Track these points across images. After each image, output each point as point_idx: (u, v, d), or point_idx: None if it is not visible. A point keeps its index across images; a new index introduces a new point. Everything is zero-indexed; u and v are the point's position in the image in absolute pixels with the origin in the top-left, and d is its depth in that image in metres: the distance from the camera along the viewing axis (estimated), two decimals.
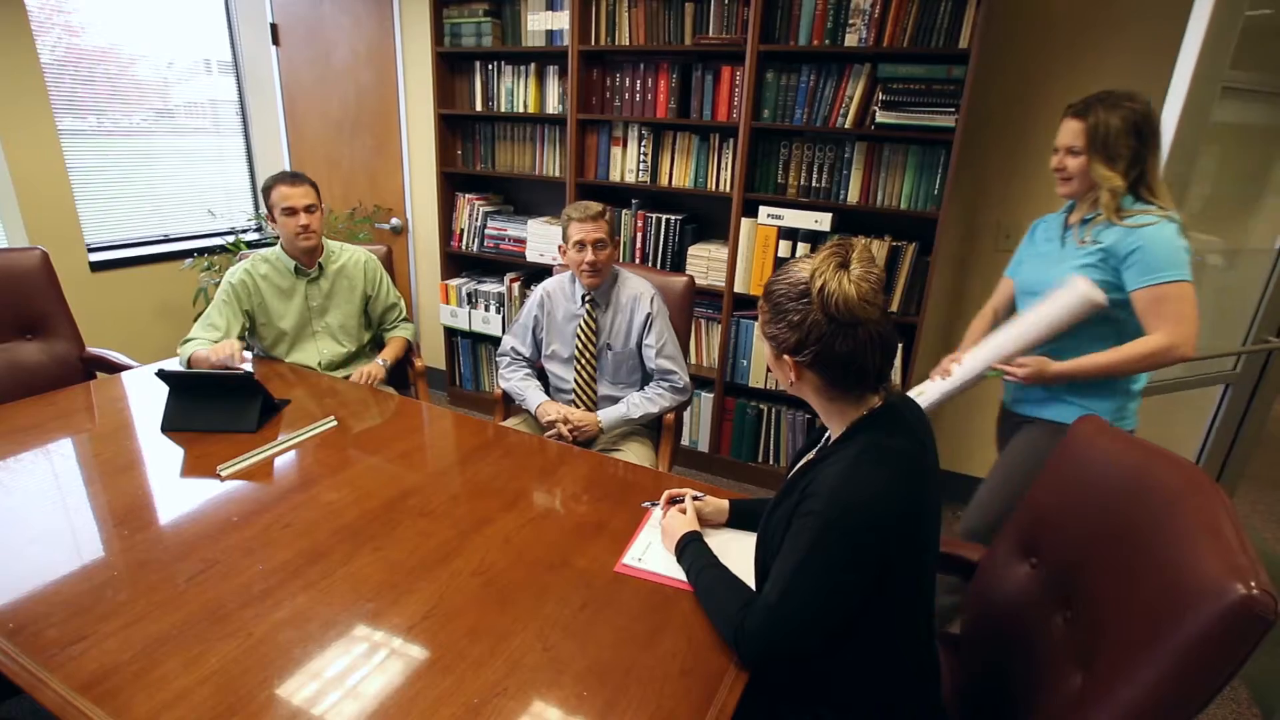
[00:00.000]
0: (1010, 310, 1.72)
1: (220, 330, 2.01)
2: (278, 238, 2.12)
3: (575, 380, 2.02)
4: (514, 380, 2.05)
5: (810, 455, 1.10)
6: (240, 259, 2.13)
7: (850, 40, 2.25)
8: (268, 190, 2.03)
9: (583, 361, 2.00)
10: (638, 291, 1.98)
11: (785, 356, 0.97)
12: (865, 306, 0.90)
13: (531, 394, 1.99)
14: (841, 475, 0.91)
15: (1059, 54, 2.27)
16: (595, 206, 1.89)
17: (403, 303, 2.32)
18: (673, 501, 1.33)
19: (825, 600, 0.92)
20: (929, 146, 2.27)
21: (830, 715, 1.00)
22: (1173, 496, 0.87)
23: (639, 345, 1.98)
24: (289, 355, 2.14)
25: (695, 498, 1.32)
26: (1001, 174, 2.43)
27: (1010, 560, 1.16)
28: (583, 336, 1.98)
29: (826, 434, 1.11)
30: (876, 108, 2.25)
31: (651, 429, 2.06)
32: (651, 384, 1.98)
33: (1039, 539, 1.12)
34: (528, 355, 2.09)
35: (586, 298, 1.97)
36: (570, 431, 1.86)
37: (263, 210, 3.79)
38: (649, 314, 1.94)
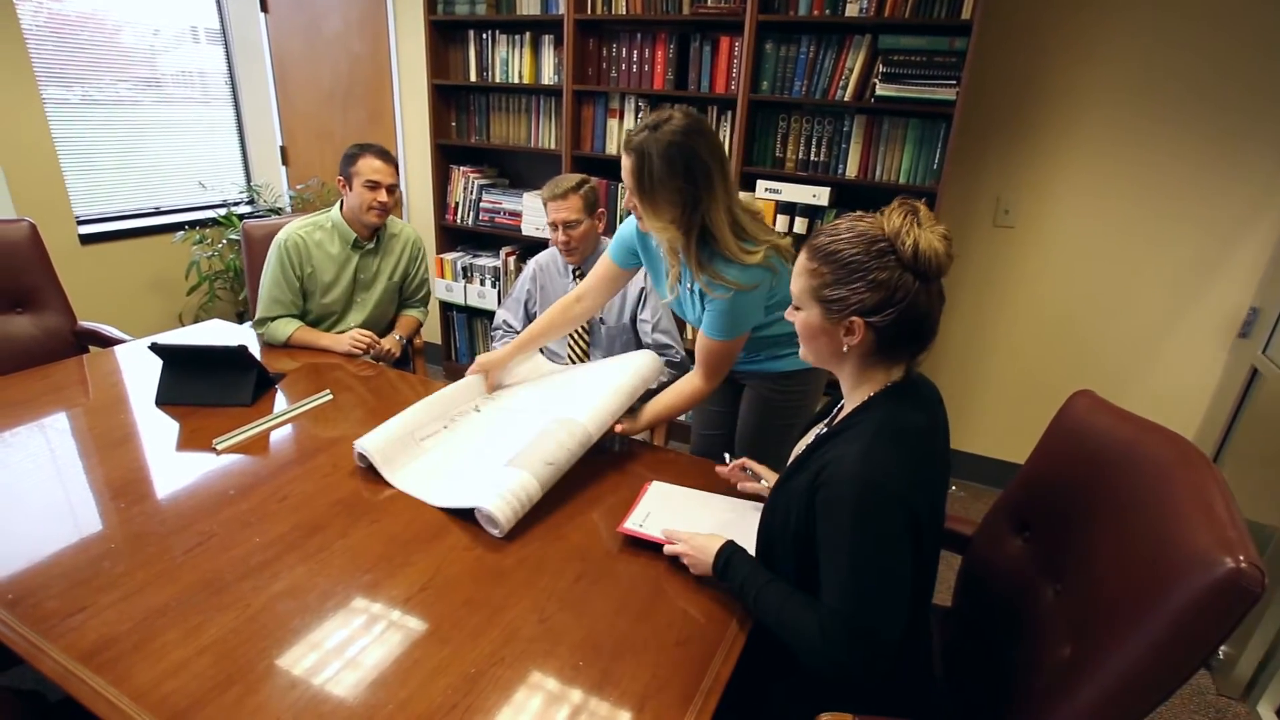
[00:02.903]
0: (599, 296, 1.65)
1: (285, 306, 2.01)
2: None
3: (569, 355, 2.01)
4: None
5: (822, 427, 1.10)
6: (234, 230, 2.10)
7: (851, 10, 2.20)
8: (354, 157, 1.98)
9: (575, 336, 2.00)
10: None
11: (854, 319, 0.92)
12: (949, 260, 0.90)
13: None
14: (860, 455, 0.89)
15: (1063, 25, 2.23)
16: (568, 182, 1.85)
17: (430, 286, 2.33)
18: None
19: (890, 588, 0.89)
20: (929, 120, 2.24)
21: (820, 686, 1.02)
22: (1164, 470, 0.88)
23: (633, 320, 1.96)
24: (333, 330, 2.10)
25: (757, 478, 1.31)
26: (1001, 148, 2.41)
27: (1002, 534, 1.17)
28: None
29: (839, 405, 1.11)
30: (877, 80, 2.22)
31: (645, 403, 2.06)
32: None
33: (1032, 512, 1.13)
34: (519, 329, 2.08)
35: (577, 271, 1.96)
36: None
37: (255, 182, 3.78)
38: (642, 288, 1.93)
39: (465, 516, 1.23)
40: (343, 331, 2.06)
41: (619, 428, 1.49)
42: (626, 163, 1.32)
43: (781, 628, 0.96)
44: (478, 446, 1.42)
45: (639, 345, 1.99)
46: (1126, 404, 1.06)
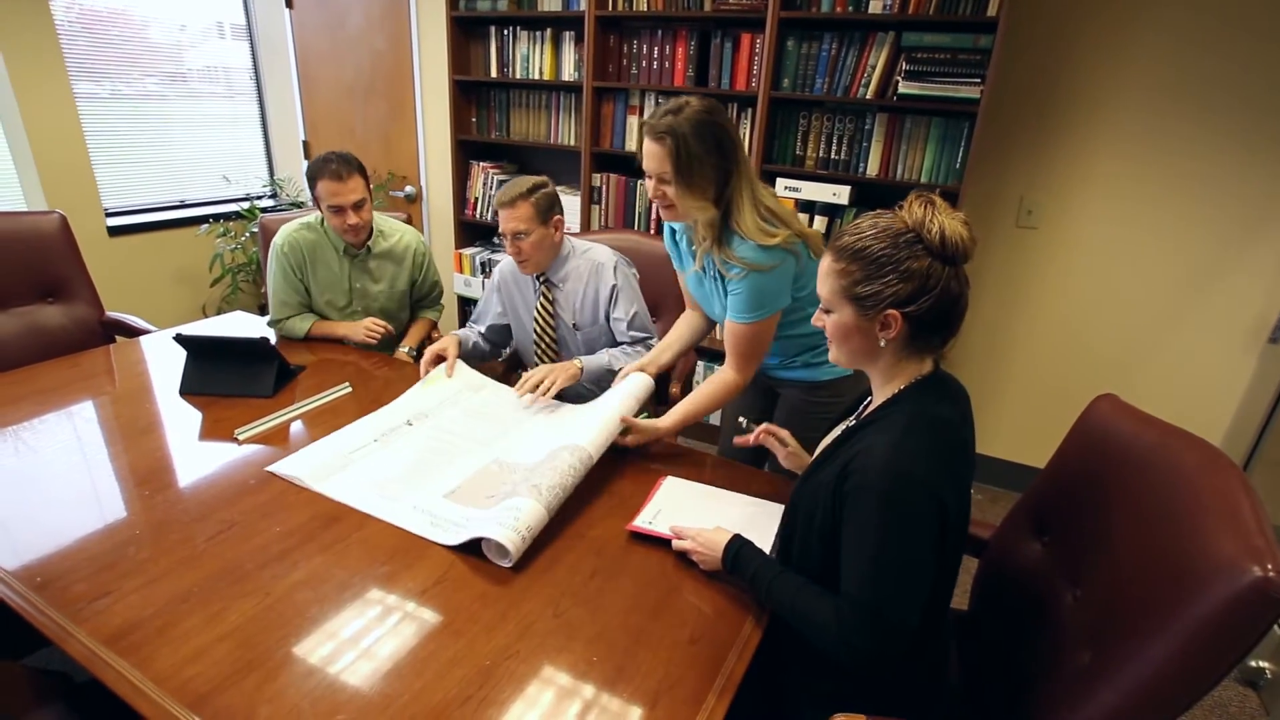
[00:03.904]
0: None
1: (293, 307, 2.02)
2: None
3: (535, 362, 1.92)
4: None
5: (850, 421, 1.10)
6: (255, 222, 2.10)
7: (875, 7, 2.18)
8: (312, 180, 1.88)
9: (543, 345, 1.90)
10: (598, 261, 1.83)
11: (889, 312, 0.92)
12: (973, 243, 0.92)
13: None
14: (892, 446, 0.90)
15: (1090, 24, 2.19)
16: (517, 188, 1.71)
17: (442, 283, 2.28)
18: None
19: (911, 577, 0.89)
20: (952, 118, 2.22)
21: (834, 686, 1.02)
22: (1190, 476, 0.86)
23: (607, 319, 1.86)
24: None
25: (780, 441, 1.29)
26: (1026, 148, 2.38)
27: (1021, 538, 1.15)
28: (540, 318, 1.88)
29: (865, 401, 1.11)
30: (899, 78, 2.20)
31: (659, 399, 2.03)
32: (629, 345, 1.85)
33: (1051, 517, 1.12)
34: (482, 337, 1.99)
35: (541, 279, 1.86)
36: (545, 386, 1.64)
37: (278, 176, 3.82)
38: (614, 285, 1.82)
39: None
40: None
41: (630, 440, 1.45)
42: (658, 149, 1.30)
43: (795, 615, 0.96)
44: (412, 461, 1.38)
45: (615, 345, 1.88)
46: (1150, 409, 1.05)
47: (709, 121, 1.29)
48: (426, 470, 1.36)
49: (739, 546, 1.06)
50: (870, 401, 1.09)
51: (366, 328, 1.98)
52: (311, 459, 1.36)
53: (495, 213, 2.82)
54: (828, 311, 1.00)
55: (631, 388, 1.54)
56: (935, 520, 0.89)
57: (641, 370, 1.60)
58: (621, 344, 1.86)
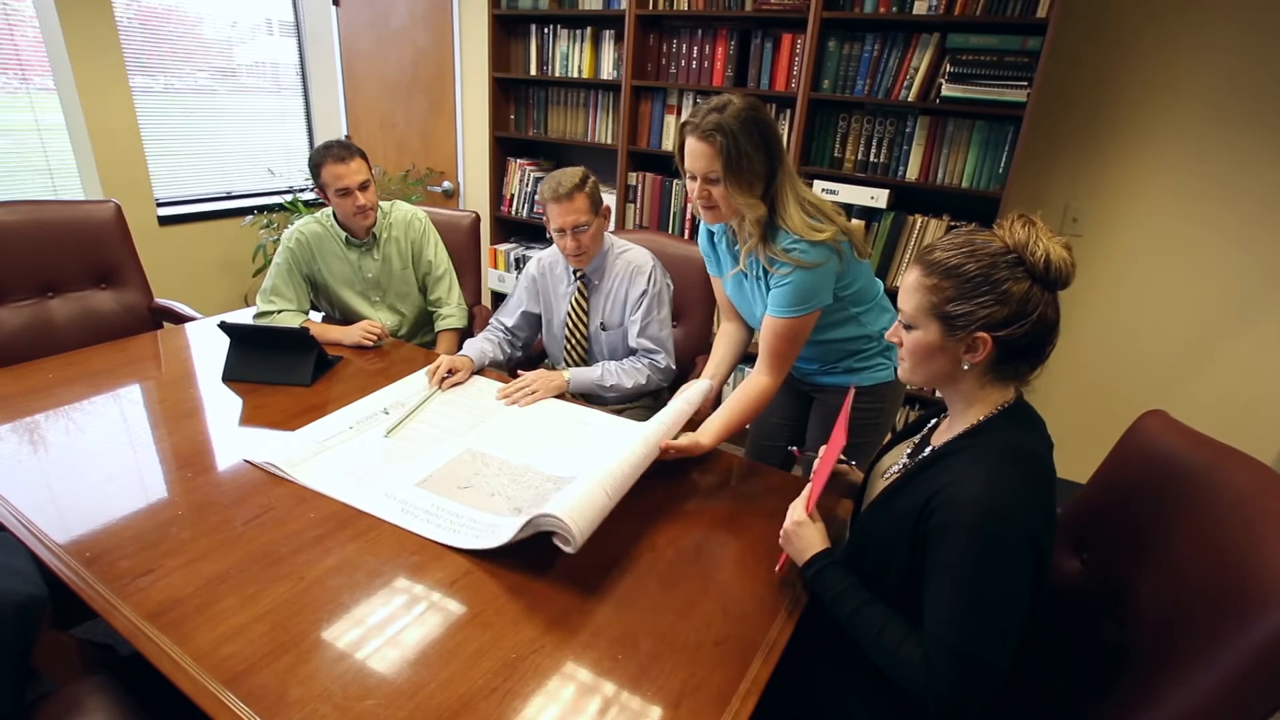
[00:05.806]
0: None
1: (288, 300, 1.99)
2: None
3: (564, 361, 1.92)
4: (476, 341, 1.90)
5: (913, 444, 1.07)
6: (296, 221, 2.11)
7: (919, 7, 2.14)
8: (316, 166, 1.89)
9: (573, 342, 1.90)
10: (636, 264, 1.82)
11: (979, 334, 0.89)
12: (1074, 270, 0.88)
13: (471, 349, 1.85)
14: (987, 481, 0.85)
15: (1143, 32, 2.12)
16: (570, 179, 1.68)
17: (452, 274, 2.19)
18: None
19: (1006, 623, 0.84)
20: (996, 122, 2.16)
21: (858, 693, 1.00)
22: (1244, 498, 0.83)
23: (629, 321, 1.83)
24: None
25: (844, 461, 1.25)
26: (1073, 153, 2.31)
27: (1058, 554, 1.12)
28: (573, 315, 1.87)
29: (931, 424, 1.07)
30: (943, 80, 2.15)
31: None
32: (633, 358, 1.84)
33: (1091, 535, 1.08)
34: (510, 333, 1.96)
35: (578, 274, 1.85)
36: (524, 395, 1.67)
37: None
38: (644, 290, 1.79)
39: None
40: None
41: (673, 449, 1.37)
42: (705, 148, 1.28)
43: (879, 651, 0.92)
44: (384, 449, 1.40)
45: (632, 352, 1.87)
46: (1196, 425, 1.01)
47: (755, 118, 1.29)
48: (398, 458, 1.37)
49: (827, 562, 1.01)
50: (938, 424, 1.05)
51: (363, 329, 1.93)
52: (288, 446, 1.37)
53: (532, 209, 2.78)
54: (909, 328, 0.96)
55: (691, 397, 1.51)
56: (1031, 561, 0.84)
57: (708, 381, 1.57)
58: (633, 347, 1.83)
